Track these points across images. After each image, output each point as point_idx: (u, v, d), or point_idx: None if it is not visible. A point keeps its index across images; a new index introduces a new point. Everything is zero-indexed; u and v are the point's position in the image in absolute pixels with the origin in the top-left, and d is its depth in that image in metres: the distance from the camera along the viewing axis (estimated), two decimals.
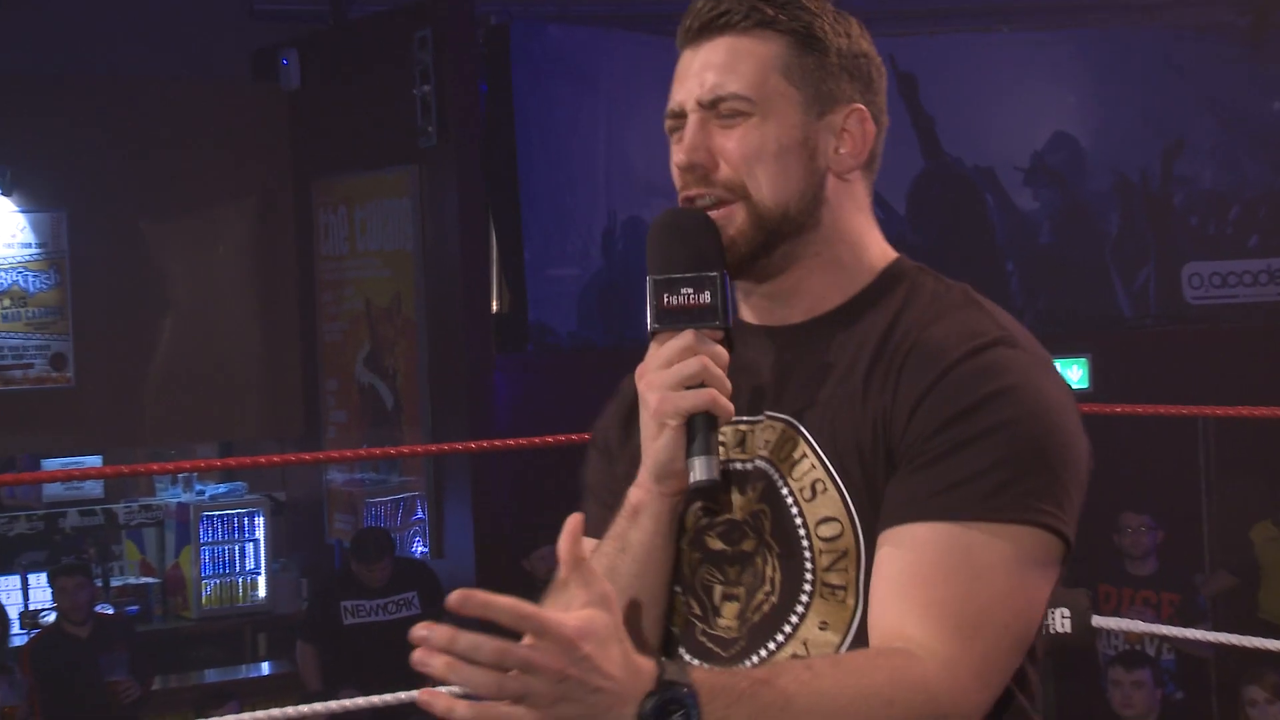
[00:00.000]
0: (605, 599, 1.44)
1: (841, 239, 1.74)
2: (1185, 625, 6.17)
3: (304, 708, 4.37)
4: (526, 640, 1.39)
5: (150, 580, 9.17)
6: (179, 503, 9.17)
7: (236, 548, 9.01)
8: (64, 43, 9.15)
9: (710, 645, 1.73)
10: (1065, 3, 10.29)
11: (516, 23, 9.01)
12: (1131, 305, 9.88)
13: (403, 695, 4.29)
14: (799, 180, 1.70)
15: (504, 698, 1.38)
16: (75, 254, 8.68)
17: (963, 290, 1.73)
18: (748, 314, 1.79)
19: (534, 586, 7.15)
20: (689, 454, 1.64)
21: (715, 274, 1.66)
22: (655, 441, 1.67)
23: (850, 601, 1.65)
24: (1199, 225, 9.95)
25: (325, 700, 6.30)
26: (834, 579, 1.66)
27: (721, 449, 1.71)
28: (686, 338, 1.65)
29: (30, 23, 9.14)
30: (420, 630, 1.38)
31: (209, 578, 8.94)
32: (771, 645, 1.68)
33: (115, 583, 9.08)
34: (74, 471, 8.22)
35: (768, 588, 1.69)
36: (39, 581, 8.68)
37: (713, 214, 1.69)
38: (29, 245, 8.60)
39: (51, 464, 9.15)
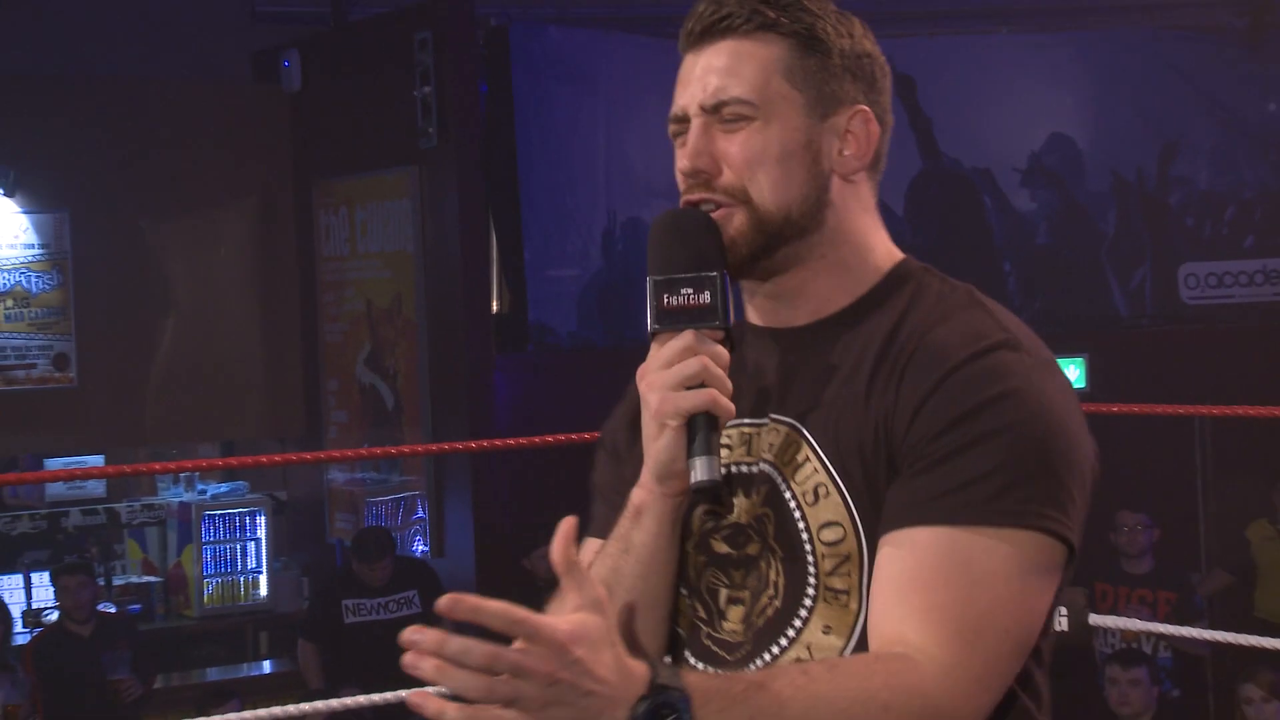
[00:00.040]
0: (598, 603, 1.42)
1: (846, 240, 1.72)
2: (1182, 623, 6.16)
3: (305, 706, 4.40)
4: (517, 644, 1.37)
5: (152, 579, 9.18)
6: (181, 502, 9.18)
7: (238, 547, 9.02)
8: (66, 44, 9.17)
9: (715, 649, 1.72)
10: (1064, 4, 10.29)
11: (516, 24, 9.01)
12: (1128, 305, 9.90)
13: (403, 694, 4.31)
14: (802, 183, 1.69)
15: (494, 701, 1.37)
16: (77, 255, 8.68)
17: (968, 291, 1.72)
18: (753, 315, 1.78)
19: (534, 585, 7.19)
20: (689, 454, 1.63)
21: (715, 274, 1.65)
22: (656, 442, 1.66)
23: (854, 606, 1.64)
24: (1195, 226, 9.97)
25: (326, 699, 6.33)
26: (837, 583, 1.65)
27: (727, 451, 1.71)
28: (686, 338, 1.64)
29: (33, 24, 9.16)
30: (410, 634, 1.37)
31: (210, 577, 8.96)
32: (775, 649, 1.67)
33: (117, 581, 9.09)
34: (76, 471, 8.21)
35: (771, 592, 1.68)
36: (41, 580, 8.69)
37: (714, 214, 1.69)
38: (32, 246, 8.62)
39: (54, 463, 9.14)
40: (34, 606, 8.70)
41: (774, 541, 1.68)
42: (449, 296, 8.30)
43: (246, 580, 9.05)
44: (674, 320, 1.65)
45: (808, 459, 1.67)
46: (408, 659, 1.37)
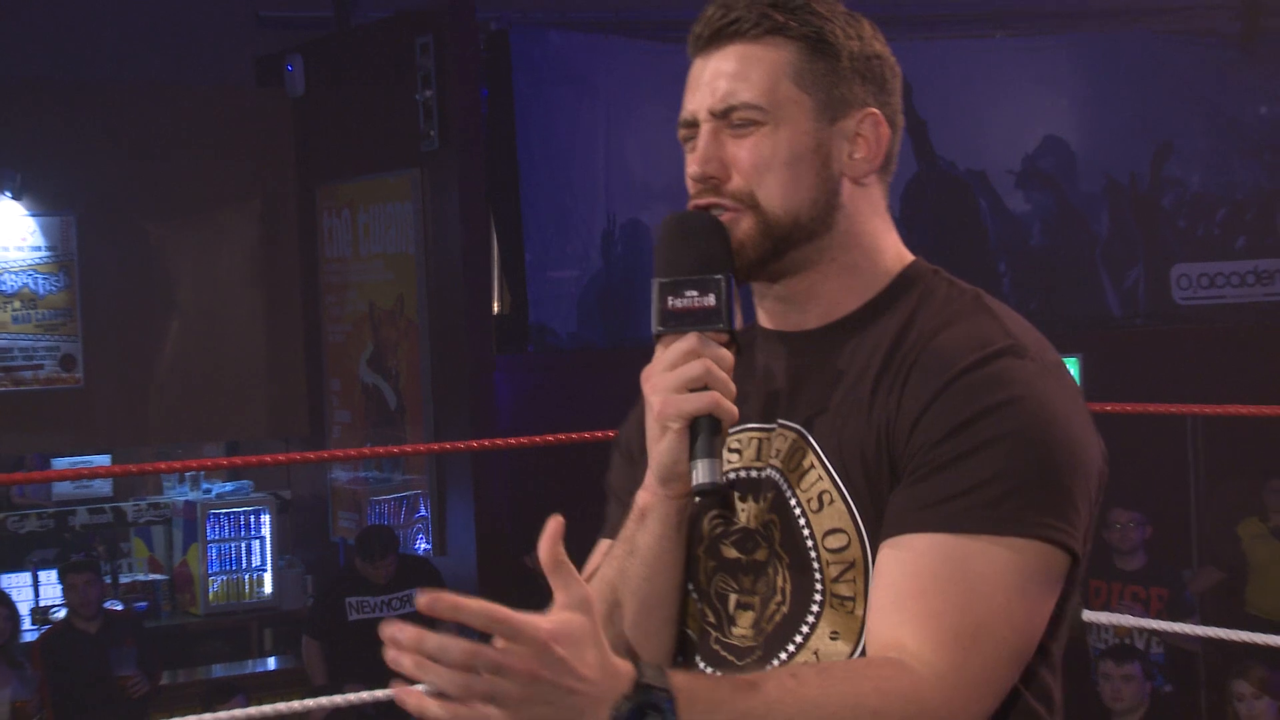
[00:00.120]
0: (584, 602, 1.40)
1: (857, 243, 1.71)
2: (1174, 620, 6.19)
3: (309, 702, 4.43)
4: (498, 642, 1.36)
5: (158, 577, 9.19)
6: (186, 501, 9.16)
7: (243, 545, 9.01)
8: (72, 49, 9.19)
9: (725, 654, 1.71)
10: (1058, 8, 10.28)
11: (516, 29, 9.00)
12: (1121, 305, 9.92)
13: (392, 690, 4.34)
14: (811, 188, 1.68)
15: (473, 698, 1.36)
16: (84, 257, 8.71)
17: (975, 295, 1.71)
18: (764, 318, 1.77)
19: (535, 582, 7.24)
20: (692, 457, 1.62)
21: (720, 276, 1.63)
22: (659, 444, 1.64)
23: (859, 612, 1.62)
24: (1187, 227, 10.00)
25: (330, 695, 6.37)
26: (843, 590, 1.64)
27: (737, 456, 1.71)
28: (690, 340, 1.62)
29: (38, 29, 9.19)
30: (389, 629, 1.36)
31: (216, 574, 8.96)
32: (784, 655, 1.66)
33: (124, 579, 9.10)
34: (83, 470, 8.19)
35: (779, 598, 1.67)
36: (49, 578, 8.73)
37: (722, 218, 1.68)
38: (39, 248, 8.65)
39: (61, 463, 9.18)
40: (42, 604, 8.73)
41: (780, 548, 1.67)
42: (450, 298, 8.31)
43: (251, 578, 9.03)
44: (678, 322, 1.63)
45: (813, 465, 1.66)
46: (389, 655, 1.37)
